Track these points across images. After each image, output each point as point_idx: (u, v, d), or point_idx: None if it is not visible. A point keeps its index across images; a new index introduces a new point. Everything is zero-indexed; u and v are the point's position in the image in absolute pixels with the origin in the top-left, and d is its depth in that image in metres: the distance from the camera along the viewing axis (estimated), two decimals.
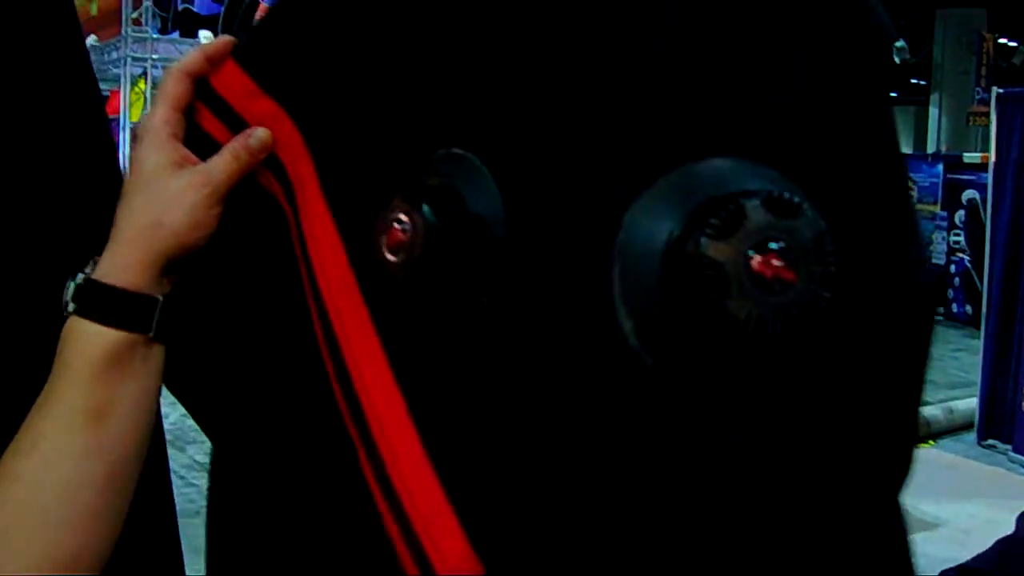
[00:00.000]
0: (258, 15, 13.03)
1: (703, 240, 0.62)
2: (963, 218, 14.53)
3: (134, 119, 12.42)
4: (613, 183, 0.68)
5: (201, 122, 0.84)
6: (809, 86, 0.70)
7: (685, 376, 0.67)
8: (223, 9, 12.78)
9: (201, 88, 0.84)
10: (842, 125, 0.71)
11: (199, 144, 0.83)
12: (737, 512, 0.68)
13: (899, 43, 22.23)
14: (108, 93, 15.74)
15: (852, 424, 0.69)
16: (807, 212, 0.62)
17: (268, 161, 0.82)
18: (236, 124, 0.83)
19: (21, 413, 0.73)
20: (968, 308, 13.93)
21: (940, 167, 16.63)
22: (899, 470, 0.71)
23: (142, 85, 12.34)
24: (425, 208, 0.70)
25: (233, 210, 0.82)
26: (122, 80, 12.64)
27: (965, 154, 16.55)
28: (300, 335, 0.80)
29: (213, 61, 0.83)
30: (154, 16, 12.54)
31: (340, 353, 0.77)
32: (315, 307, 0.79)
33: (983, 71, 22.76)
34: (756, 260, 0.61)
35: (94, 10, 14.12)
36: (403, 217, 0.70)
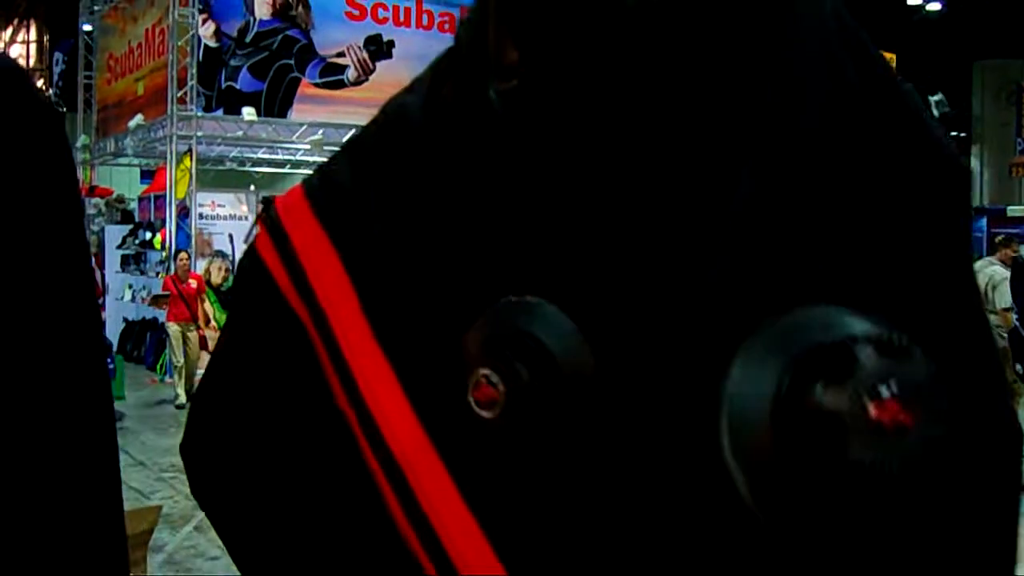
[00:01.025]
0: (299, 91, 13.28)
1: (818, 389, 0.61)
2: (1012, 272, 14.33)
3: (179, 195, 12.63)
4: (716, 330, 0.69)
5: (258, 247, 0.88)
6: (901, 235, 0.72)
7: (801, 527, 0.66)
8: (265, 86, 13.04)
9: (268, 212, 0.88)
10: (934, 272, 0.73)
11: (256, 273, 0.87)
12: None
13: (937, 96, 22.17)
14: (155, 169, 16.03)
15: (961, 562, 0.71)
16: (917, 354, 0.62)
17: (304, 294, 0.85)
18: (286, 250, 0.86)
19: None
20: (1019, 367, 13.67)
21: (984, 221, 16.49)
22: None
23: (187, 162, 12.56)
24: (520, 367, 0.70)
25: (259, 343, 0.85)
26: (168, 157, 12.87)
27: (1009, 207, 16.42)
28: (342, 476, 0.82)
29: None
30: (198, 95, 12.79)
31: (416, 502, 0.77)
32: (374, 454, 0.79)
33: (1023, 122, 22.62)
34: (873, 406, 0.60)
35: (140, 90, 14.46)
36: (493, 374, 0.70)
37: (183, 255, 11.47)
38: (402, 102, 0.88)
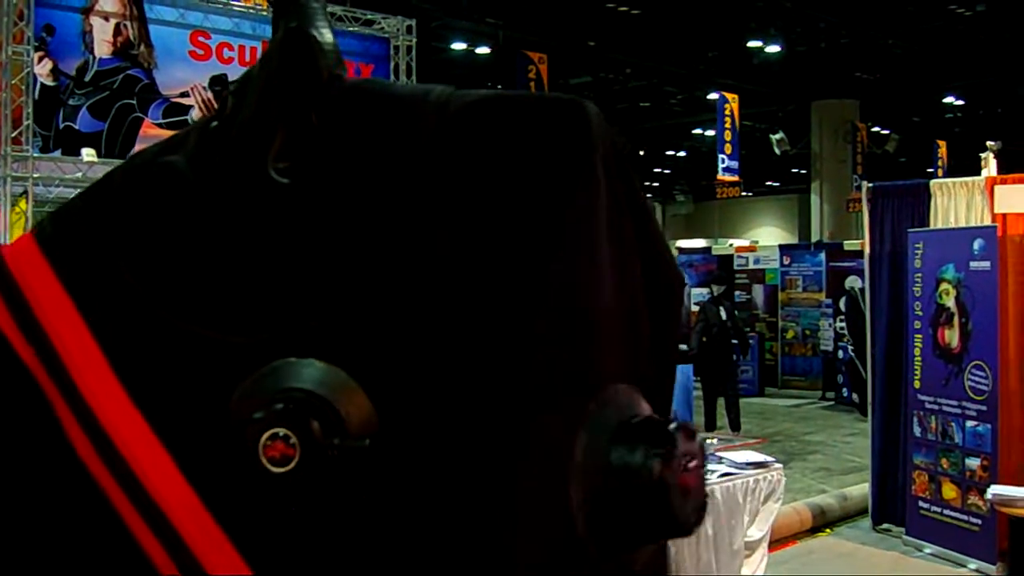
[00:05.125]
0: (141, 132, 12.99)
1: (653, 463, 0.80)
2: (846, 304, 14.96)
3: (14, 239, 12.15)
4: (556, 411, 0.79)
5: None
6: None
7: (619, 560, 0.83)
8: (106, 127, 12.70)
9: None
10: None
11: None
12: None
13: (779, 135, 23.05)
14: None
15: None
16: (698, 434, 0.84)
17: (38, 346, 0.82)
18: (14, 298, 0.83)
19: None
20: (855, 396, 14.25)
21: (823, 255, 17.17)
22: None
23: (23, 205, 12.09)
24: (316, 425, 0.75)
25: None
26: (2, 199, 12.37)
27: (846, 242, 17.13)
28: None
29: None
30: (35, 135, 12.33)
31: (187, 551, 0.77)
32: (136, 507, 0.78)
33: (859, 159, 23.67)
34: (682, 474, 0.81)
35: None
36: (288, 434, 0.74)
37: None
38: (167, 161, 0.88)
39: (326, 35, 0.85)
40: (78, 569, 0.82)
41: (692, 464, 0.82)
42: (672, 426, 0.81)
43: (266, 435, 0.74)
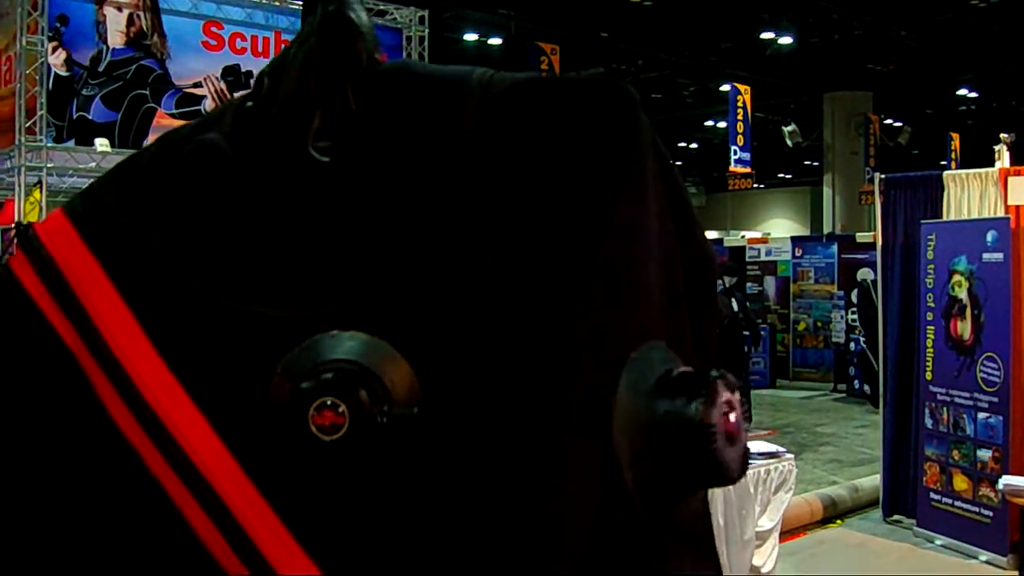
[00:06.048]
0: (154, 122, 13.01)
1: (695, 406, 0.83)
2: (858, 296, 14.89)
3: None
4: (598, 362, 0.82)
5: (16, 271, 0.86)
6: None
7: (666, 511, 0.87)
8: (119, 117, 12.72)
9: (28, 236, 0.86)
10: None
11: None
12: None
13: (791, 127, 22.96)
14: (3, 201, 15.42)
15: None
16: (736, 384, 0.87)
17: (76, 320, 0.83)
18: (52, 275, 0.84)
19: None
20: (866, 387, 14.21)
21: (835, 247, 17.11)
22: None
23: (37, 195, 12.12)
24: (363, 394, 0.77)
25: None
26: (16, 189, 12.40)
27: (858, 234, 17.06)
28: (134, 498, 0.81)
29: None
30: (48, 125, 12.35)
31: (234, 522, 0.79)
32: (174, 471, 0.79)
33: (872, 151, 23.58)
34: (725, 420, 0.84)
35: None
36: (337, 402, 0.77)
37: None
38: (204, 138, 0.89)
39: (363, 18, 0.87)
40: (134, 558, 0.83)
41: (732, 413, 0.83)
42: (713, 374, 0.84)
43: (315, 404, 0.76)
